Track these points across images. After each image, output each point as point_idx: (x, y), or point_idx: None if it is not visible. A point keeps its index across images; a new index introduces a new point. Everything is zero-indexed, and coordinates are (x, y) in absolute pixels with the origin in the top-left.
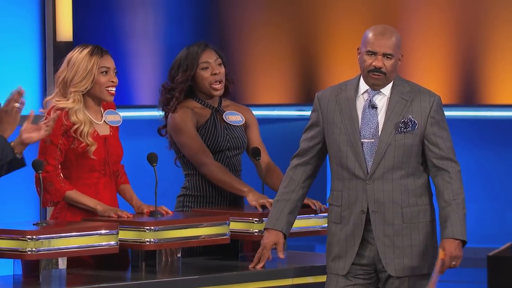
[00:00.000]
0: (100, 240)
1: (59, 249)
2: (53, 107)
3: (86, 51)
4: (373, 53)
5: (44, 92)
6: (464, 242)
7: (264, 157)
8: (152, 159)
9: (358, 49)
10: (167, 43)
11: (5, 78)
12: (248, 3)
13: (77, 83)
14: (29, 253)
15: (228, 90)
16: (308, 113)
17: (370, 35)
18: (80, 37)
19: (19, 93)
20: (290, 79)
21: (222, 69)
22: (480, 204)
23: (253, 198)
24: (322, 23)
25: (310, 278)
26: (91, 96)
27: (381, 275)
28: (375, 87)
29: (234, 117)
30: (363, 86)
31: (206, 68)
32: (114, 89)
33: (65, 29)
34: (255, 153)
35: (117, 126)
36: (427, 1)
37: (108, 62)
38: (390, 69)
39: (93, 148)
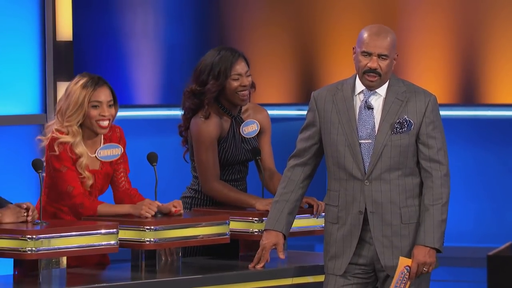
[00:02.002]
0: (100, 239)
1: (59, 248)
2: (53, 138)
3: (80, 82)
4: (368, 54)
5: (44, 92)
6: (437, 250)
7: (269, 164)
8: (152, 158)
9: (353, 48)
10: (167, 43)
11: (5, 78)
12: (248, 3)
13: (70, 117)
14: (29, 252)
15: (250, 95)
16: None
17: (365, 35)
18: (80, 37)
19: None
20: (290, 79)
21: (250, 79)
22: (480, 204)
23: (261, 206)
24: (322, 22)
25: (310, 277)
26: (86, 127)
27: (379, 274)
28: (371, 88)
29: (250, 128)
30: (359, 86)
31: (237, 79)
32: (105, 122)
33: (65, 29)
34: (255, 152)
35: (112, 161)
36: (427, 1)
37: (101, 95)
38: (385, 70)
39: (90, 182)
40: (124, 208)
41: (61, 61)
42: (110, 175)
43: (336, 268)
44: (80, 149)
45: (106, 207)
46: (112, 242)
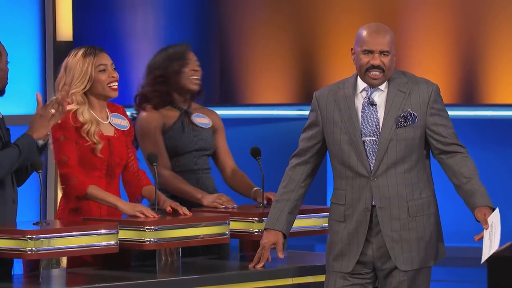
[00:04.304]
0: (100, 239)
1: (59, 248)
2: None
3: (80, 53)
4: (369, 52)
5: (44, 92)
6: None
7: (230, 162)
8: (152, 158)
9: (352, 49)
10: (167, 43)
11: None
12: (248, 3)
13: (76, 85)
14: (29, 252)
15: (199, 94)
16: (308, 112)
17: (364, 33)
18: (80, 37)
19: (57, 101)
20: (290, 79)
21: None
22: None
23: (208, 202)
24: (322, 23)
25: (310, 277)
26: (94, 95)
27: (379, 273)
28: (374, 85)
29: (201, 120)
30: (361, 84)
31: (188, 64)
32: (116, 84)
33: (65, 29)
34: (255, 153)
35: (125, 130)
36: (426, 1)
37: (104, 59)
38: (388, 65)
39: (100, 146)
40: (113, 200)
41: (61, 61)
42: (125, 145)
43: (344, 266)
44: (86, 116)
45: (97, 190)
46: (112, 242)
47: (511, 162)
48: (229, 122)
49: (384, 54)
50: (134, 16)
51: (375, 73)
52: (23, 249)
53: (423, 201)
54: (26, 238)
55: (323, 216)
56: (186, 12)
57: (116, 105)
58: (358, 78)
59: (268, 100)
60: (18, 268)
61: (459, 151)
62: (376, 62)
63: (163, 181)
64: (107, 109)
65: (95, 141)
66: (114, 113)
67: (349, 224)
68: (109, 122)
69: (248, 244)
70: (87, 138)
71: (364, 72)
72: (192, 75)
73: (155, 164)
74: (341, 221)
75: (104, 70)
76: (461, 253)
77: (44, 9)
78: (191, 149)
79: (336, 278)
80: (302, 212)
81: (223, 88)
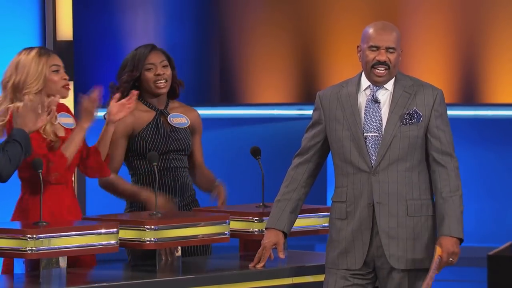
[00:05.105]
0: (100, 239)
1: (59, 248)
2: (11, 112)
3: (33, 52)
4: (376, 48)
5: None
6: (461, 240)
7: (200, 162)
8: (152, 158)
9: (358, 47)
10: (168, 43)
11: None
12: (248, 3)
13: (30, 85)
14: (29, 252)
15: (177, 92)
16: (308, 112)
17: (371, 30)
18: (80, 37)
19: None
20: (291, 78)
21: (168, 71)
22: (480, 204)
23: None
24: (322, 22)
25: (310, 277)
26: (47, 96)
27: (379, 272)
28: (378, 84)
29: (178, 119)
30: (365, 82)
31: (150, 69)
32: (69, 85)
33: (65, 28)
34: (255, 152)
35: (72, 128)
36: (427, 1)
37: (57, 60)
38: (394, 62)
39: (57, 144)
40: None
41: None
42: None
43: (350, 263)
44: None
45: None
46: (112, 242)
47: (511, 162)
48: (229, 122)
49: (390, 51)
50: (134, 16)
51: (381, 70)
52: (23, 249)
53: (422, 202)
54: (26, 238)
55: (323, 216)
56: (186, 12)
57: (60, 104)
58: (362, 76)
59: (268, 100)
60: (18, 267)
61: (447, 165)
62: (383, 58)
63: (106, 184)
64: (55, 113)
65: (52, 139)
66: (60, 113)
67: (351, 221)
68: (59, 122)
69: (248, 244)
70: (45, 136)
71: (370, 68)
72: (156, 80)
73: (155, 164)
74: (343, 218)
75: (57, 70)
76: (461, 253)
77: (44, 9)
78: (166, 150)
79: (337, 278)
80: (302, 211)
81: (223, 88)
